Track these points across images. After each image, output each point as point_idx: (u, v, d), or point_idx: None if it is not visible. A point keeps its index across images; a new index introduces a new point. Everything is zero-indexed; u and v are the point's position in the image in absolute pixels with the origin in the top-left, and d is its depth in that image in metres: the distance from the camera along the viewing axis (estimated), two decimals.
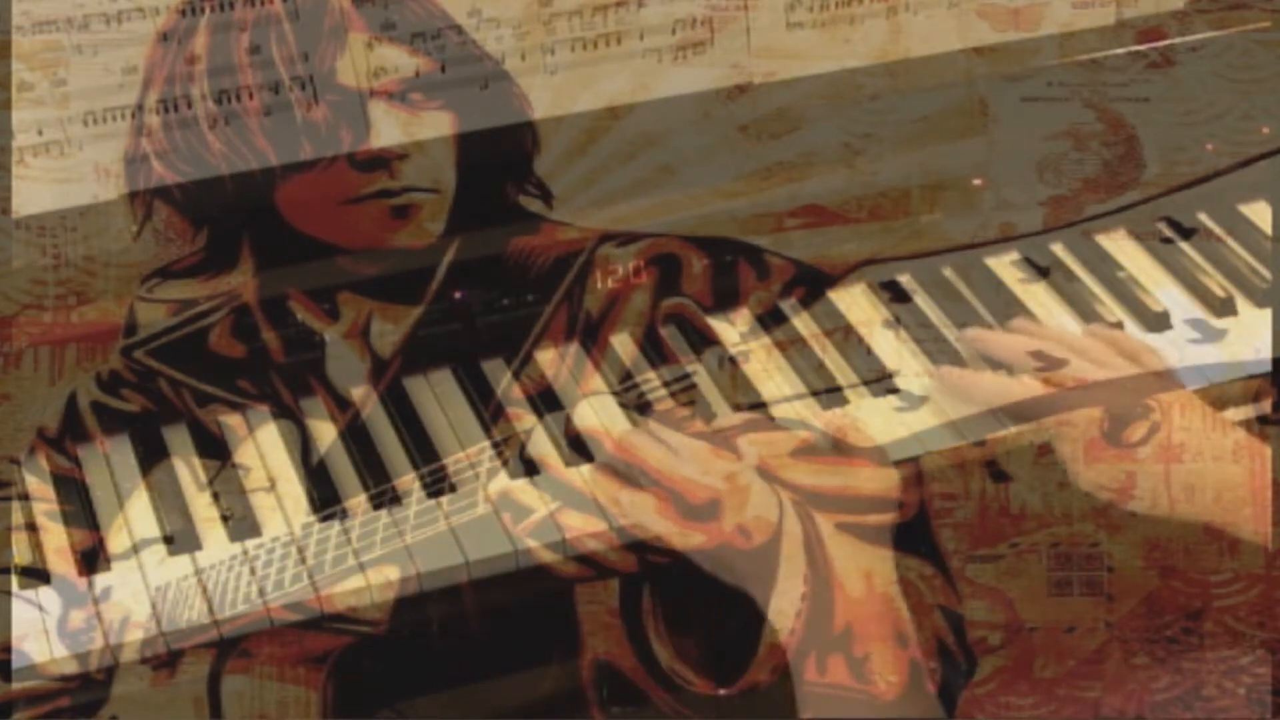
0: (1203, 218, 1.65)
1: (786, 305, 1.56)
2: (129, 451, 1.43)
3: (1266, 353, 1.49)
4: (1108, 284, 1.58)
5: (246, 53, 1.37)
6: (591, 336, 1.52)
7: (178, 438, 1.44)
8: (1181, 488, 1.34)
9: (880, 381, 1.47)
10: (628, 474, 1.36)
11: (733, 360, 1.50)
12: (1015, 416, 1.39)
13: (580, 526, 1.35)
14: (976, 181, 1.57)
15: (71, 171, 1.37)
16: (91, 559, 1.34)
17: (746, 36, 1.49)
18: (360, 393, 1.47)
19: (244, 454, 1.43)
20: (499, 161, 1.46)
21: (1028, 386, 1.41)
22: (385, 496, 1.38)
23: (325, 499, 1.38)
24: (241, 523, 1.36)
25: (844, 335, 1.53)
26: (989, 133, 1.56)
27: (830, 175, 1.53)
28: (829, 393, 1.46)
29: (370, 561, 1.32)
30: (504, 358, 1.50)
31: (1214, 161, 1.62)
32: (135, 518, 1.37)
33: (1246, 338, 1.51)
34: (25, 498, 1.39)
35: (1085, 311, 1.54)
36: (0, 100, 1.34)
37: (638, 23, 1.46)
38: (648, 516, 1.33)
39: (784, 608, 1.28)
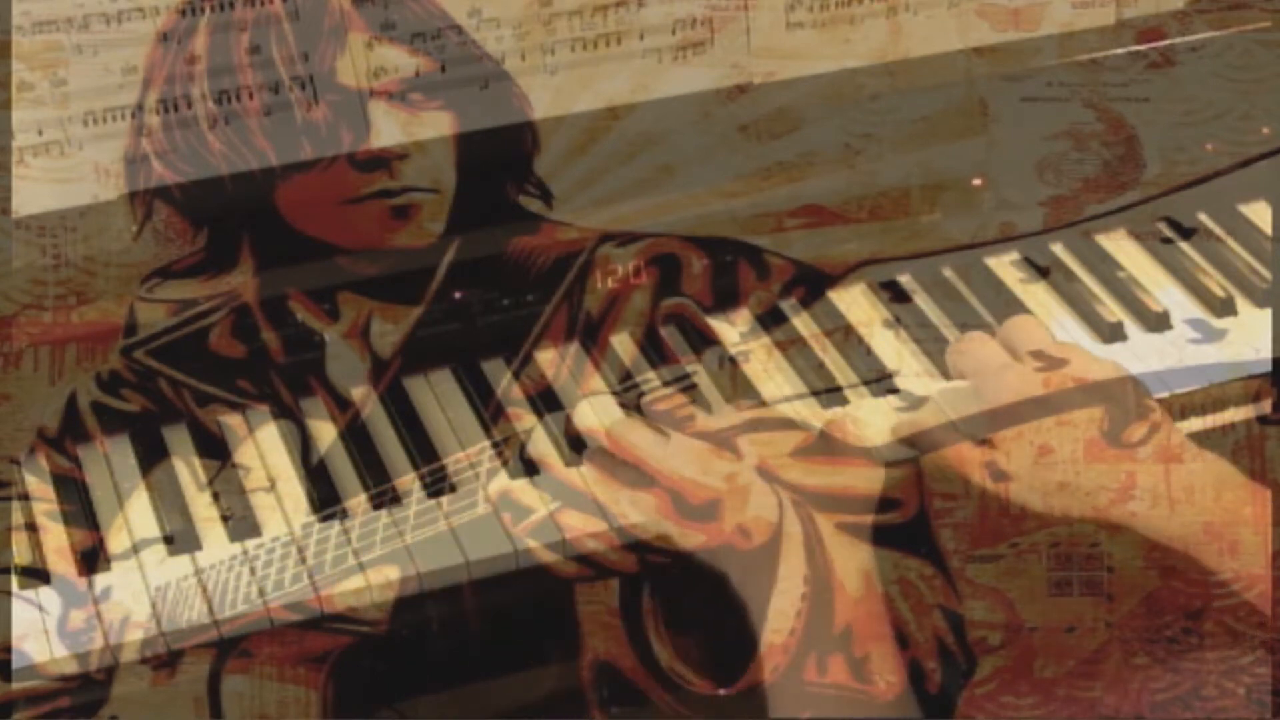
0: (1203, 218, 1.65)
1: (786, 305, 1.56)
2: (129, 451, 1.43)
3: (1266, 353, 1.49)
4: (1108, 284, 1.58)
5: (246, 53, 1.37)
6: (591, 336, 1.52)
7: (178, 438, 1.44)
8: (1181, 488, 1.34)
9: (880, 381, 1.47)
10: (618, 468, 1.36)
11: (733, 360, 1.50)
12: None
13: (580, 526, 1.35)
14: (976, 181, 1.57)
15: (71, 171, 1.37)
16: (91, 559, 1.34)
17: (746, 36, 1.49)
18: (360, 393, 1.47)
19: (244, 454, 1.43)
20: (499, 161, 1.46)
21: (1028, 386, 1.40)
22: (385, 496, 1.38)
23: (325, 499, 1.38)
24: (241, 523, 1.36)
25: (844, 335, 1.53)
26: (989, 133, 1.56)
27: (830, 175, 1.53)
28: (829, 393, 1.46)
29: (370, 561, 1.32)
30: (504, 358, 1.50)
31: (1214, 161, 1.62)
32: (135, 518, 1.37)
33: (1246, 338, 1.51)
34: (25, 498, 1.39)
35: (1085, 311, 1.54)
36: (0, 100, 1.34)
37: (638, 23, 1.46)
38: (648, 516, 1.33)
39: (784, 608, 1.28)
